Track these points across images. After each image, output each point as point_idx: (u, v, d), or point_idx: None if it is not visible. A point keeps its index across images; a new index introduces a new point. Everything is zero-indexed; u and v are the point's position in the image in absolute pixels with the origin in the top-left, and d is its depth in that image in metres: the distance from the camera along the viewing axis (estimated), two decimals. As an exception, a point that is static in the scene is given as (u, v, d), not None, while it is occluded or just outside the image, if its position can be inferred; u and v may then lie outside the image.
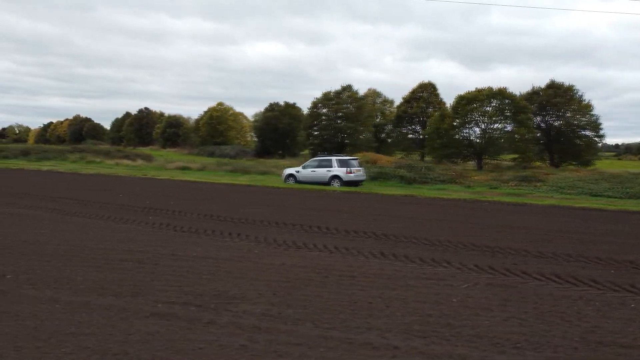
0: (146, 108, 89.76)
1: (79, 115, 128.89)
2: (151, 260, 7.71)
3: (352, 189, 22.00)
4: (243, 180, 26.22)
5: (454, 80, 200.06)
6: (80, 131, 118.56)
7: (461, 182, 24.59)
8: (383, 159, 39.81)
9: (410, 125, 54.75)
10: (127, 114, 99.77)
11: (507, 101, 34.07)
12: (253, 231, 10.58)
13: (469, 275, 7.18)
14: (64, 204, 14.58)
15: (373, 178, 25.37)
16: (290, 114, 55.46)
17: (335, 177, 23.60)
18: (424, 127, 54.09)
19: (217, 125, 63.92)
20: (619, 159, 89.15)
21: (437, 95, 52.93)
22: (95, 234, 9.85)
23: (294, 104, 56.07)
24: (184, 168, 31.71)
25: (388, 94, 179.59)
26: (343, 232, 10.67)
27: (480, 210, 15.54)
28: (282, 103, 56.50)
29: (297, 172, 24.95)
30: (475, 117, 34.88)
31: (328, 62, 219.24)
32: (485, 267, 7.69)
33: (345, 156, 26.62)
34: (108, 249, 8.45)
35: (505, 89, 35.32)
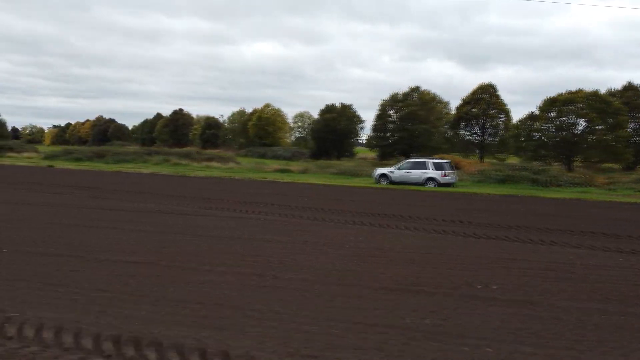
0: (181, 109, 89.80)
1: (102, 117, 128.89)
2: (555, 269, 7.68)
3: (517, 192, 22.14)
4: (364, 183, 26.33)
5: (451, 80, 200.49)
6: (105, 132, 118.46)
7: (597, 185, 24.55)
8: (464, 161, 39.82)
9: (468, 127, 54.77)
10: (159, 115, 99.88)
11: (600, 103, 34.06)
12: (549, 237, 10.54)
13: None
14: (281, 208, 14.52)
15: (500, 181, 25.38)
16: (346, 115, 55.48)
17: (431, 178, 24.73)
18: (483, 128, 54.18)
19: (266, 127, 63.88)
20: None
21: (497, 96, 52.87)
22: (419, 242, 9.82)
23: (350, 105, 56.09)
24: (283, 171, 31.68)
25: (386, 94, 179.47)
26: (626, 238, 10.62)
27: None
28: (338, 105, 56.52)
29: (391, 172, 26.06)
30: (569, 119, 34.91)
31: (325, 61, 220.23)
32: None
33: (440, 159, 27.53)
34: (483, 257, 8.43)
35: (597, 91, 35.37)
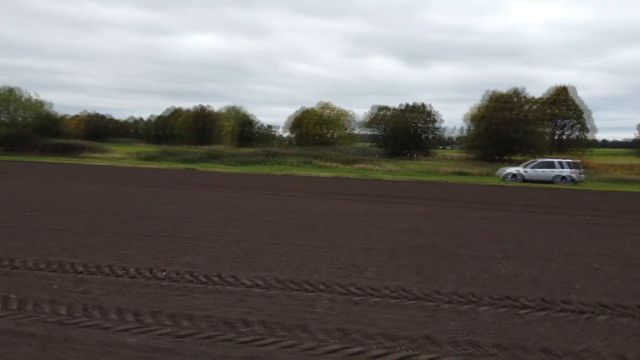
0: (208, 105, 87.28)
1: (95, 112, 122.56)
2: None
3: None
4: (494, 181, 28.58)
5: (395, 77, 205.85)
6: (104, 128, 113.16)
7: None
8: (592, 162, 41.57)
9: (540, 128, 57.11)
10: (176, 112, 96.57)
11: None
12: None
13: None
14: None
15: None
16: (424, 113, 56.37)
17: (567, 177, 28.32)
18: (561, 128, 56.66)
19: (328, 126, 63.59)
20: None
21: (576, 98, 55.33)
22: None
23: (423, 104, 56.95)
24: (460, 173, 32.09)
25: (330, 88, 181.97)
26: None
27: None
28: (414, 103, 57.25)
29: (525, 171, 29.27)
30: None
31: (270, 56, 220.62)
32: None
33: (573, 159, 31.68)
34: None
35: None
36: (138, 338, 5.36)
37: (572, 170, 28.53)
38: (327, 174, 30.81)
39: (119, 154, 45.26)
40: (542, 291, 7.31)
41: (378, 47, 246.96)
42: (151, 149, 48.97)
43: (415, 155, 56.89)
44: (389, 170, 34.00)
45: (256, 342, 5.35)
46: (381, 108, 70.59)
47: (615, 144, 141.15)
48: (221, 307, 6.36)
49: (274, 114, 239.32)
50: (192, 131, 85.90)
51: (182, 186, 21.93)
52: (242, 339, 5.40)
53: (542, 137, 46.23)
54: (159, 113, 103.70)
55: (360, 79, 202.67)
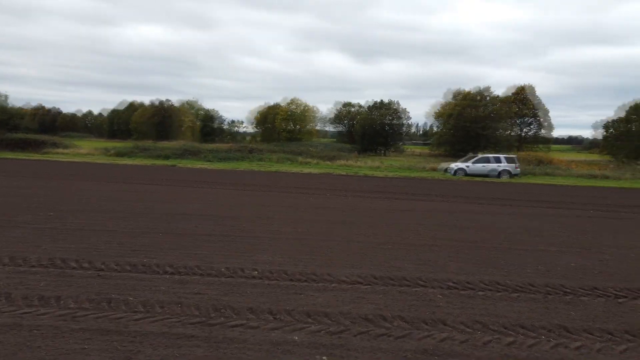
0: (167, 99, 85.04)
1: (41, 105, 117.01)
2: None
3: None
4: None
5: (345, 73, 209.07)
6: (52, 122, 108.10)
7: None
8: (555, 159, 43.78)
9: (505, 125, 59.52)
10: (132, 106, 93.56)
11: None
12: None
13: None
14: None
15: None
16: (392, 110, 57.51)
17: (506, 171, 30.59)
18: (521, 125, 59.25)
19: (297, 122, 63.70)
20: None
21: (536, 97, 58.01)
22: None
23: (397, 102, 58.20)
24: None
25: (280, 83, 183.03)
26: None
27: None
28: (382, 100, 58.27)
29: (467, 166, 31.25)
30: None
31: (218, 49, 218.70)
32: None
33: (510, 154, 34.01)
34: None
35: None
36: (298, 336, 5.49)
37: (509, 164, 30.56)
38: (316, 171, 31.02)
39: (85, 150, 43.58)
40: (622, 281, 7.93)
41: (327, 42, 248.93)
42: (119, 144, 47.42)
43: (384, 151, 57.96)
44: (373, 166, 34.54)
45: (409, 336, 5.59)
46: (346, 104, 71.54)
47: (555, 140, 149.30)
48: (347, 304, 6.55)
49: (224, 109, 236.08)
50: (151, 126, 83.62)
51: (178, 184, 21.59)
52: (396, 334, 5.63)
53: (504, 133, 48.43)
54: (102, 106, 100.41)
55: (309, 74, 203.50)
